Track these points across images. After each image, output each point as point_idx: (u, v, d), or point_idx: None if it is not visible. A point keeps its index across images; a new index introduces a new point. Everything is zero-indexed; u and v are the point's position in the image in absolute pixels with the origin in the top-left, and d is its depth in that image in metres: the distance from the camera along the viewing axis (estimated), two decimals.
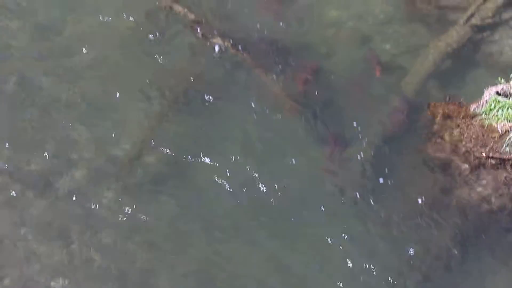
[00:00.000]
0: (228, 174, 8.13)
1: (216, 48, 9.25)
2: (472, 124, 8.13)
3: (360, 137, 8.53)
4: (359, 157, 8.29)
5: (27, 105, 8.62)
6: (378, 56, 9.40)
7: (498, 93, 8.19)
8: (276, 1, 10.09)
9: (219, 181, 8.09)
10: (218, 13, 9.83)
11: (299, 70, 9.13)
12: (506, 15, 9.92)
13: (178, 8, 9.75)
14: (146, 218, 7.83)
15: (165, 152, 8.30)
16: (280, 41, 9.42)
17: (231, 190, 8.03)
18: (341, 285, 7.47)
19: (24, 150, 8.23)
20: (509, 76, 8.33)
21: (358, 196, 8.04)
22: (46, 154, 8.19)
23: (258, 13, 9.84)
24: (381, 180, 8.12)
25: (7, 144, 8.22)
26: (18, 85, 8.79)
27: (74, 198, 7.91)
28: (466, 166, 7.87)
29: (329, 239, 7.75)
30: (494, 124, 7.99)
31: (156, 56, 9.21)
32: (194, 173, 8.19)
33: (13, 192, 7.91)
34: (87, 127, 8.48)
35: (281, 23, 9.75)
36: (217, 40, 9.31)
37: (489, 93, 8.23)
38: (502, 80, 8.30)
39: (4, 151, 8.18)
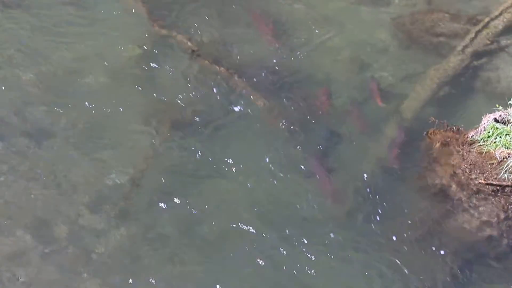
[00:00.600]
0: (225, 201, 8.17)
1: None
2: (470, 151, 8.12)
3: (358, 163, 8.55)
4: (356, 184, 8.32)
5: (22, 132, 8.65)
6: (379, 85, 9.45)
7: (496, 120, 8.21)
8: (274, 28, 10.19)
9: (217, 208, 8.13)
10: (216, 40, 9.96)
11: (314, 95, 9.26)
12: (503, 42, 10.05)
13: (175, 36, 9.89)
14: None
15: (162, 180, 8.32)
16: (277, 68, 9.54)
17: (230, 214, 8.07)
18: None
19: (20, 178, 8.25)
20: (507, 103, 8.34)
21: (355, 223, 8.03)
22: (43, 182, 8.21)
23: (255, 40, 9.97)
24: (379, 207, 8.10)
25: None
26: (13, 112, 8.85)
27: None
28: (465, 192, 7.84)
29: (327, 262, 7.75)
30: (492, 150, 7.98)
31: (153, 83, 9.32)
32: (192, 200, 8.17)
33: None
34: (83, 155, 8.50)
35: (278, 50, 9.86)
36: (214, 67, 9.41)
37: (487, 120, 8.24)
38: (500, 107, 8.32)
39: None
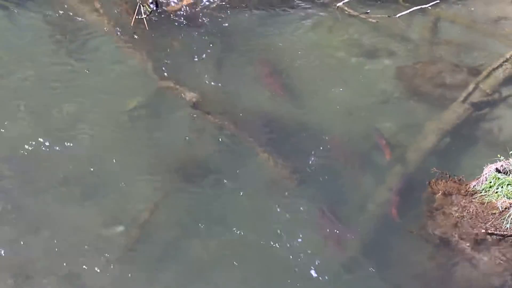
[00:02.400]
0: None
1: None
2: (472, 201, 8.29)
3: (360, 213, 8.71)
4: (358, 232, 8.44)
5: (23, 182, 8.76)
6: (384, 136, 9.61)
7: (497, 170, 8.40)
8: (276, 79, 10.45)
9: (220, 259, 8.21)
10: (219, 92, 10.16)
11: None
12: (505, 92, 10.29)
13: (177, 87, 10.09)
14: None
15: (163, 231, 8.43)
16: (279, 119, 9.76)
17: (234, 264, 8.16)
18: None
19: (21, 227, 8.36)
20: (509, 153, 8.52)
21: (356, 272, 8.12)
22: (43, 234, 8.29)
23: (259, 91, 10.23)
24: (381, 256, 8.22)
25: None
26: (12, 162, 8.98)
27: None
28: (467, 242, 7.98)
29: None
30: (494, 201, 8.16)
31: (155, 135, 9.50)
32: (193, 253, 8.28)
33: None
34: (84, 206, 8.59)
35: (280, 101, 10.10)
36: (216, 119, 9.62)
37: (489, 170, 8.44)
38: (502, 157, 8.51)
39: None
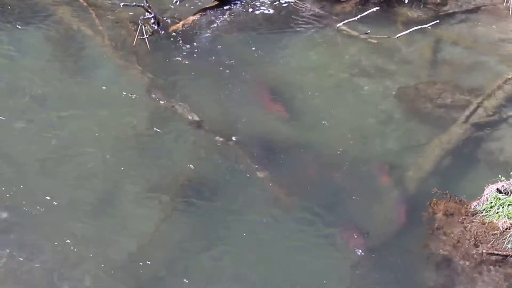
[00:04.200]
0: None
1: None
2: (473, 221, 8.43)
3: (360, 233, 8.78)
4: (357, 253, 8.50)
5: (26, 203, 8.80)
6: (384, 166, 9.70)
7: (498, 191, 8.57)
8: (276, 99, 10.61)
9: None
10: (219, 112, 10.30)
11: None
12: (505, 113, 10.45)
13: (178, 108, 10.25)
14: None
15: (167, 251, 8.49)
16: (279, 139, 9.90)
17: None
18: None
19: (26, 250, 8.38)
20: (510, 173, 8.68)
21: None
22: (49, 253, 8.34)
23: (258, 111, 10.37)
24: (383, 275, 8.29)
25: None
26: (16, 185, 9.03)
27: None
28: (468, 262, 8.09)
29: None
30: (495, 221, 8.31)
31: (157, 155, 9.61)
32: (196, 270, 8.33)
33: None
34: (88, 226, 8.65)
35: (281, 121, 10.24)
36: (218, 139, 9.77)
37: (490, 191, 8.60)
38: (503, 177, 8.66)
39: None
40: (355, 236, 8.67)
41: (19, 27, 11.76)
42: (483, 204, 8.55)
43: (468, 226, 8.39)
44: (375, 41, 11.89)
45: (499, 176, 8.71)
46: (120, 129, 9.94)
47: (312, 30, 12.20)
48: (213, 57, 11.40)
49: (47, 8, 12.32)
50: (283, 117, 10.34)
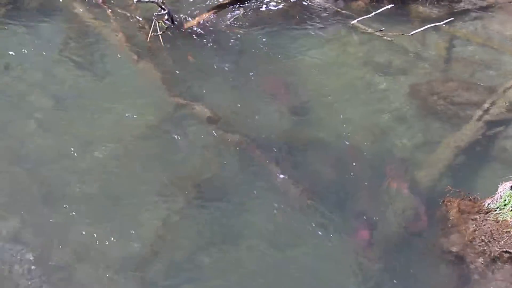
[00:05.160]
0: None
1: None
2: (486, 219, 8.51)
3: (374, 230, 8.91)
4: (370, 251, 8.63)
5: (37, 200, 8.94)
6: (396, 171, 9.73)
7: None
8: (291, 95, 10.74)
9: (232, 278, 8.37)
10: (233, 109, 10.41)
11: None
12: None
13: (191, 104, 10.36)
14: None
15: (178, 250, 8.58)
16: (293, 136, 10.01)
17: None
18: None
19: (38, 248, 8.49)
20: None
21: None
22: (60, 251, 8.43)
23: (272, 108, 10.48)
24: (395, 273, 8.40)
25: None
26: (28, 179, 9.18)
27: None
28: (481, 260, 8.19)
29: None
30: (508, 219, 8.37)
31: (170, 152, 9.72)
32: (207, 270, 8.43)
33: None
34: (99, 225, 8.73)
35: (295, 117, 10.36)
36: (231, 137, 9.87)
37: (504, 188, 8.66)
38: None
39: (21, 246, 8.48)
40: (369, 236, 8.78)
41: (33, 23, 11.90)
42: (496, 202, 8.62)
43: (481, 224, 8.47)
44: (390, 38, 12.00)
45: None
46: (133, 126, 10.04)
47: (327, 27, 12.31)
48: (227, 54, 11.51)
49: (61, 4, 12.44)
50: (297, 113, 10.45)
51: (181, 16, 12.27)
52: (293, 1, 12.89)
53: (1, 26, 11.81)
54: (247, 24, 12.27)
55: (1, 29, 11.76)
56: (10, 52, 11.16)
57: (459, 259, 8.36)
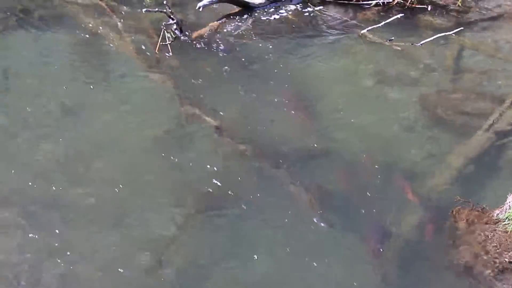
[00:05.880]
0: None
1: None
2: (495, 230, 8.57)
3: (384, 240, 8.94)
4: (379, 262, 8.65)
5: (46, 210, 8.97)
6: (406, 180, 9.74)
7: None
8: (303, 106, 10.83)
9: None
10: (242, 119, 10.50)
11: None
12: None
13: (201, 114, 10.45)
14: None
15: (186, 262, 8.59)
16: (302, 146, 10.07)
17: None
18: None
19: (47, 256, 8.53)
20: None
21: None
22: (69, 257, 8.46)
23: (282, 118, 10.55)
24: (403, 285, 8.46)
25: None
26: (34, 190, 9.22)
27: None
28: (490, 271, 8.24)
29: None
30: None
31: (179, 161, 9.76)
32: (217, 281, 8.44)
33: None
34: (107, 235, 8.78)
35: (304, 128, 10.41)
36: (240, 146, 9.96)
37: None
38: None
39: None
40: (379, 245, 8.83)
41: (42, 32, 12.10)
42: (505, 212, 8.67)
43: (490, 234, 8.53)
44: (399, 48, 12.10)
45: None
46: (142, 135, 10.10)
47: (336, 37, 12.45)
48: (236, 64, 11.63)
49: (70, 14, 12.66)
50: (307, 123, 10.52)
51: (189, 25, 12.41)
52: (302, 11, 13.02)
53: (10, 35, 12.01)
54: (256, 33, 12.42)
55: (10, 38, 11.96)
56: (19, 61, 11.34)
57: (468, 270, 8.38)
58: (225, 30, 12.41)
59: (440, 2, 13.22)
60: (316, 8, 13.07)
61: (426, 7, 13.08)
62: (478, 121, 10.54)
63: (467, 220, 8.82)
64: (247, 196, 9.32)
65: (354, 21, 12.81)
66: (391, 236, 8.93)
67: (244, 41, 12.20)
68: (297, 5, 13.09)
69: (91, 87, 10.95)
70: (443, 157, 10.04)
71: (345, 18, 12.89)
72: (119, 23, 12.34)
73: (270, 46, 12.10)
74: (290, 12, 12.95)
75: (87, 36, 12.10)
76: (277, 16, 12.82)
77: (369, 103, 11.02)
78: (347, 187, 9.55)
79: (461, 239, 8.69)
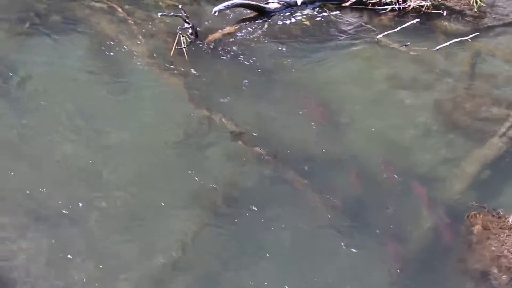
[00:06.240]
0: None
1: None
2: (510, 235, 8.58)
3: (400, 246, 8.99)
4: (395, 267, 8.68)
5: (59, 215, 9.01)
6: (422, 185, 9.77)
7: None
8: (323, 110, 10.88)
9: None
10: (257, 123, 10.52)
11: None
12: None
13: (218, 119, 10.51)
14: None
15: (201, 265, 8.64)
16: (319, 151, 10.09)
17: None
18: None
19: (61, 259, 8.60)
20: None
21: None
22: (84, 262, 8.53)
23: (297, 123, 10.59)
24: None
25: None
26: (47, 194, 9.25)
27: None
28: (505, 276, 8.26)
29: None
30: None
31: (195, 166, 9.80)
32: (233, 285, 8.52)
33: None
34: (125, 236, 8.85)
35: (320, 133, 10.44)
36: (258, 150, 10.00)
37: None
38: None
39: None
40: (396, 250, 8.87)
41: (57, 36, 12.11)
42: None
43: (506, 239, 8.55)
44: (415, 53, 12.12)
45: None
46: (157, 139, 10.15)
47: (351, 42, 12.49)
48: (252, 68, 11.67)
49: (85, 18, 12.69)
50: (325, 127, 10.56)
51: (204, 30, 12.47)
52: (318, 16, 13.09)
53: (26, 39, 12.07)
54: (271, 38, 12.45)
55: (26, 42, 12.02)
56: (34, 65, 11.40)
57: (484, 275, 8.44)
58: (241, 35, 12.45)
59: (456, 8, 13.26)
60: (332, 13, 13.11)
61: (441, 12, 13.11)
62: (494, 127, 10.58)
63: (482, 225, 8.86)
64: (263, 201, 9.36)
65: (370, 26, 12.86)
66: (407, 241, 8.97)
67: (260, 45, 12.23)
68: (313, 10, 13.16)
69: (106, 91, 11.02)
70: (459, 162, 10.07)
71: (361, 23, 12.94)
72: (134, 27, 12.40)
73: (286, 51, 12.15)
74: (305, 17, 13.01)
75: (103, 40, 12.16)
76: (292, 21, 12.88)
77: (384, 108, 11.06)
78: (362, 192, 9.58)
79: (477, 244, 8.73)
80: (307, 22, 12.92)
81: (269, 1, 13.14)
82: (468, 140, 10.48)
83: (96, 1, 13.09)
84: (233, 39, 12.32)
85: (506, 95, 11.33)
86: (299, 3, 13.12)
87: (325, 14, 13.12)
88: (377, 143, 10.36)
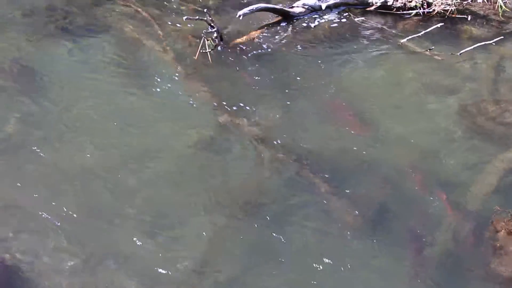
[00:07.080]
0: None
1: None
2: None
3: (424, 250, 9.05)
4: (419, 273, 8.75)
5: (85, 216, 9.17)
6: (444, 190, 9.81)
7: None
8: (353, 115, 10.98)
9: None
10: (282, 128, 10.63)
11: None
12: None
13: (242, 123, 10.64)
14: None
15: (226, 267, 8.72)
16: (343, 156, 10.19)
17: None
18: None
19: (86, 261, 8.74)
20: None
21: None
22: (109, 266, 8.66)
23: (323, 127, 10.71)
24: None
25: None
26: (74, 196, 9.44)
27: None
28: None
29: None
30: None
31: (219, 170, 9.94)
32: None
33: None
34: (148, 239, 8.93)
35: (345, 138, 10.51)
36: (282, 155, 10.11)
37: None
38: None
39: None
40: (420, 254, 8.97)
41: (82, 40, 12.34)
42: None
43: None
44: (439, 58, 12.22)
45: None
46: (180, 143, 10.29)
47: (375, 46, 12.60)
48: (276, 72, 11.81)
49: (109, 22, 12.94)
50: (358, 132, 10.65)
51: (229, 34, 12.65)
52: (342, 20, 13.24)
53: (50, 43, 12.29)
54: (296, 42, 12.60)
55: (51, 45, 12.24)
56: (59, 67, 11.63)
57: (508, 280, 8.50)
58: (265, 39, 12.61)
59: (480, 12, 13.34)
60: (356, 18, 13.25)
61: (466, 17, 13.21)
62: None
63: (507, 230, 8.91)
64: (286, 205, 9.46)
65: (394, 31, 12.98)
66: (431, 246, 9.05)
67: (284, 49, 12.38)
68: (337, 14, 13.32)
69: (131, 94, 11.18)
70: (482, 167, 10.13)
71: (385, 28, 13.07)
72: (159, 31, 12.57)
73: (310, 55, 12.29)
74: (330, 21, 13.17)
75: (128, 43, 12.37)
76: (317, 25, 13.04)
77: (408, 113, 11.13)
78: (386, 196, 9.67)
79: (501, 249, 8.80)
80: (331, 27, 13.08)
81: (293, 5, 13.29)
82: (492, 145, 10.53)
83: (122, 5, 13.30)
84: (257, 43, 12.48)
85: None
86: (323, 8, 13.26)
87: (349, 18, 13.28)
88: (402, 148, 10.42)
